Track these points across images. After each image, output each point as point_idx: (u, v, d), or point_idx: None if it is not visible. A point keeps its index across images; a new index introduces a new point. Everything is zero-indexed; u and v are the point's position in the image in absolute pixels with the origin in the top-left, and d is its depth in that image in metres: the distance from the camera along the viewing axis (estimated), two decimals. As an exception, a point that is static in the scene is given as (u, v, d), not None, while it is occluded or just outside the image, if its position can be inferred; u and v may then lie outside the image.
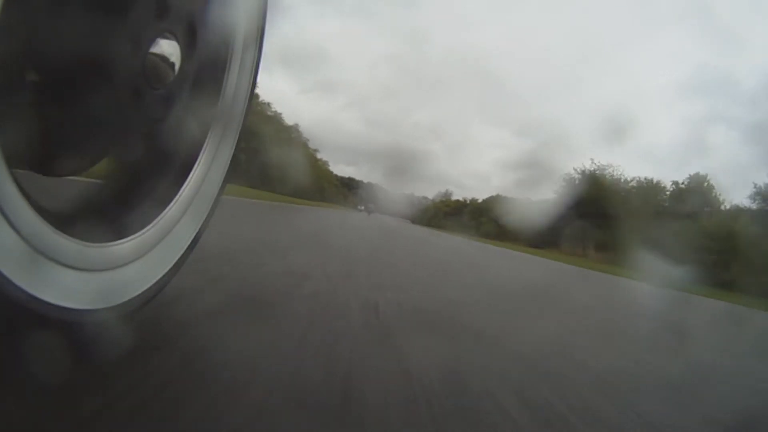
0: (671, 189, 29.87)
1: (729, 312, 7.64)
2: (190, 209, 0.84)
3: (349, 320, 1.20)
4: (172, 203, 0.78)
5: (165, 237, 0.75)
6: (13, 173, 0.45)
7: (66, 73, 0.54)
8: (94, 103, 0.57)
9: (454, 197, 62.37)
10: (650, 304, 5.27)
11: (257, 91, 1.10)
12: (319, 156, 48.29)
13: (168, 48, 0.63)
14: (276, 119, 34.48)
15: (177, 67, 0.66)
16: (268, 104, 31.51)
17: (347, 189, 66.31)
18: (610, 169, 35.47)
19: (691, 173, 30.04)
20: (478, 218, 44.54)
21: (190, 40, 0.68)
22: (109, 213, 0.69)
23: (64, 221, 0.53)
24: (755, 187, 26.20)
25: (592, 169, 36.34)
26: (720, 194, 27.83)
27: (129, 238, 0.65)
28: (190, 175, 0.84)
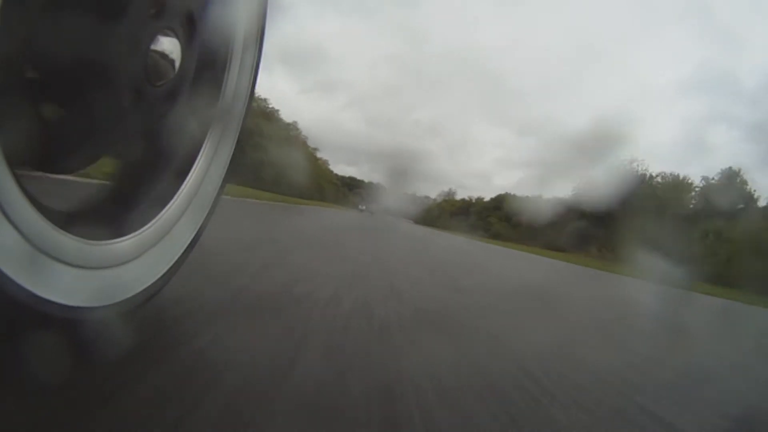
0: (701, 185, 27.53)
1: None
2: (189, 208, 0.85)
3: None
4: (172, 202, 0.79)
5: (165, 235, 0.76)
6: (13, 172, 0.46)
7: (65, 70, 0.55)
8: (93, 100, 0.58)
9: (458, 197, 60.16)
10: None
11: (256, 89, 1.08)
12: (318, 155, 46.44)
13: (168, 45, 0.64)
14: (273, 116, 32.62)
15: (177, 64, 0.68)
16: (265, 100, 29.56)
17: (348, 189, 64.62)
18: (635, 164, 32.60)
19: (723, 168, 27.73)
20: (486, 218, 42.69)
21: (190, 38, 0.70)
22: (110, 211, 0.70)
23: (64, 219, 0.54)
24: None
25: (617, 164, 33.66)
26: (755, 190, 25.58)
27: (130, 235, 0.67)
28: (190, 174, 0.86)
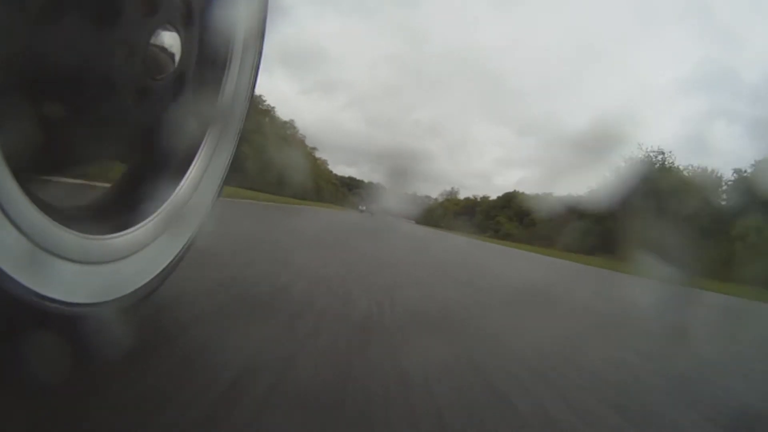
0: (732, 178, 25.01)
1: None
2: (186, 209, 0.85)
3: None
4: (169, 199, 0.79)
5: (161, 234, 0.76)
6: (11, 169, 0.47)
7: (62, 67, 0.55)
8: (91, 96, 0.58)
9: (460, 196, 58.03)
10: None
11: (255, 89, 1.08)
12: (317, 155, 44.75)
13: (168, 39, 0.64)
14: (269, 114, 30.81)
15: (177, 58, 0.68)
16: (260, 96, 27.65)
17: (347, 189, 62.86)
18: (662, 156, 30.13)
19: (757, 159, 25.21)
20: (494, 218, 40.65)
21: (190, 34, 0.70)
22: (109, 206, 0.72)
23: (63, 214, 0.55)
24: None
25: (641, 156, 31.02)
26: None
27: (129, 230, 0.68)
28: (189, 172, 0.86)
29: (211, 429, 0.56)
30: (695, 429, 1.00)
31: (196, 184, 0.86)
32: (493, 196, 49.39)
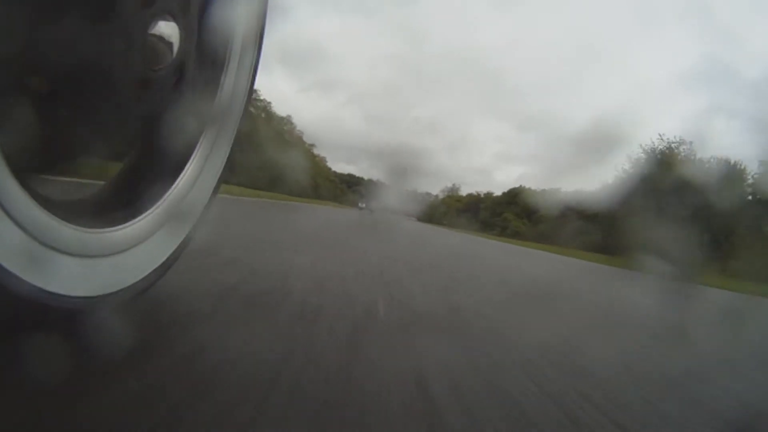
0: (760, 171, 22.98)
1: None
2: (183, 204, 0.85)
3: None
4: (166, 195, 0.80)
5: (158, 230, 0.77)
6: (10, 166, 0.47)
7: (60, 62, 0.55)
8: (89, 90, 0.58)
9: (462, 192, 56.58)
10: None
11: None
12: (315, 151, 43.45)
13: (166, 29, 0.65)
14: (265, 109, 29.43)
15: (175, 48, 0.68)
16: (256, 91, 26.04)
17: (346, 186, 61.48)
18: (684, 147, 27.57)
19: None
20: (501, 215, 39.15)
21: (189, 28, 0.70)
22: (107, 200, 0.73)
23: (64, 209, 0.56)
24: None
25: (661, 147, 28.14)
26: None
27: (128, 224, 0.69)
28: (186, 169, 0.86)
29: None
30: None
31: (194, 180, 0.87)
32: (497, 192, 48.05)
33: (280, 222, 5.02)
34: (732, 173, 23.85)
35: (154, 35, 0.60)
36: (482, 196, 50.55)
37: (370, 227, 8.05)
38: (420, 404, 0.73)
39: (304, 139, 42.08)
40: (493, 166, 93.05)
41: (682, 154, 26.15)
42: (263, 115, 29.61)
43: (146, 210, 0.73)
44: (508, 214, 37.71)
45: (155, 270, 0.76)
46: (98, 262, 0.61)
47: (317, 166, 45.35)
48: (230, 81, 0.91)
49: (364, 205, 44.61)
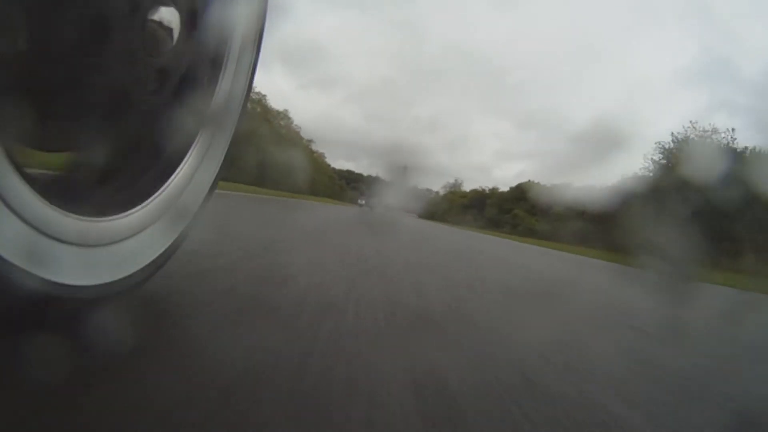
0: None
1: None
2: (180, 199, 0.85)
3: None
4: (162, 189, 0.80)
5: (154, 222, 0.77)
6: (11, 159, 0.47)
7: (60, 57, 0.55)
8: (89, 73, 0.58)
9: (464, 188, 54.78)
10: None
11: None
12: (314, 147, 41.89)
13: (167, 15, 0.64)
14: (261, 103, 27.88)
15: (176, 35, 0.67)
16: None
17: (345, 182, 59.80)
18: (719, 136, 24.84)
19: None
20: (509, 211, 37.33)
21: (189, 29, 0.71)
22: (104, 188, 0.73)
23: (63, 198, 0.57)
24: None
25: (694, 136, 25.55)
26: None
27: (127, 212, 0.70)
28: (185, 161, 0.86)
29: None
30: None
31: (191, 176, 0.87)
32: (502, 188, 46.11)
33: (270, 223, 4.30)
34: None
35: (154, 21, 0.61)
36: (487, 191, 48.62)
37: (370, 228, 6.95)
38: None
39: (302, 134, 40.50)
40: (492, 164, 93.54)
41: (717, 142, 23.54)
42: (258, 109, 28.18)
43: (142, 203, 0.74)
44: (518, 211, 35.83)
45: (152, 262, 0.77)
46: (96, 252, 0.62)
47: (316, 162, 43.84)
48: (229, 79, 0.92)
49: (363, 202, 43.91)
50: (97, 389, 0.54)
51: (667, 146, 25.84)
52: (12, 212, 0.46)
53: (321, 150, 54.15)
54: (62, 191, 0.59)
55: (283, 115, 36.62)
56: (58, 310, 0.55)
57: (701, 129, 24.70)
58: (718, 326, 2.96)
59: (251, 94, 1.05)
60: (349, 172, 69.99)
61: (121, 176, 0.74)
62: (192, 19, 0.69)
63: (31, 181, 0.50)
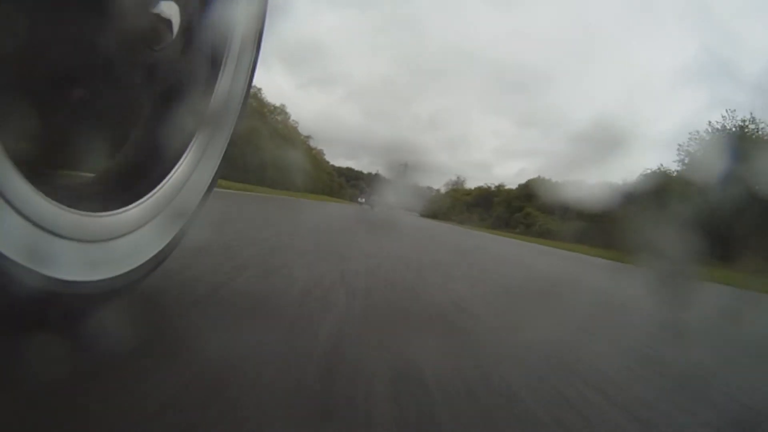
0: None
1: None
2: (178, 197, 0.85)
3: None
4: (160, 186, 0.80)
5: (152, 219, 0.77)
6: (12, 160, 0.48)
7: (60, 54, 0.54)
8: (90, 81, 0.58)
9: (467, 186, 53.16)
10: None
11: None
12: (312, 144, 40.78)
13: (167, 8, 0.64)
14: (256, 97, 26.60)
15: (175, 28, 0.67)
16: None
17: (345, 180, 58.35)
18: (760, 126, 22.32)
19: None
20: (521, 210, 35.57)
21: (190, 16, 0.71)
22: (102, 188, 0.75)
23: (65, 194, 0.57)
24: None
25: (731, 126, 22.93)
26: None
27: (127, 208, 0.70)
28: (182, 159, 0.85)
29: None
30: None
31: (189, 174, 0.87)
32: (508, 185, 44.28)
33: (260, 223, 3.55)
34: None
35: (155, 14, 0.62)
36: (493, 188, 46.61)
37: (372, 230, 6.06)
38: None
39: (300, 130, 39.04)
40: (492, 161, 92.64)
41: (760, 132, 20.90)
42: (254, 103, 26.81)
43: (139, 200, 0.74)
44: (531, 209, 33.93)
45: (148, 261, 0.77)
46: (95, 247, 0.62)
47: (314, 159, 42.51)
48: (228, 78, 0.93)
49: (363, 200, 43.16)
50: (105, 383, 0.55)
51: (702, 136, 23.65)
52: (11, 208, 0.47)
53: (320, 147, 52.86)
54: (62, 187, 0.60)
55: (280, 110, 35.30)
56: (57, 307, 0.56)
57: (740, 119, 22.57)
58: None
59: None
60: (349, 170, 68.96)
61: (121, 173, 0.75)
62: (192, 17, 0.71)
63: (30, 177, 0.51)
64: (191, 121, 0.84)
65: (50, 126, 0.56)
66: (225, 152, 0.96)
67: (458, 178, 60.26)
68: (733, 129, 21.90)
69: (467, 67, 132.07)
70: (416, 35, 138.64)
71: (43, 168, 0.57)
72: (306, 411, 0.62)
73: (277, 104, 35.25)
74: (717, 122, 23.51)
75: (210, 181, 0.92)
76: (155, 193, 0.75)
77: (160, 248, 0.77)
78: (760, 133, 21.31)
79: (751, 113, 22.18)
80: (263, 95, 30.79)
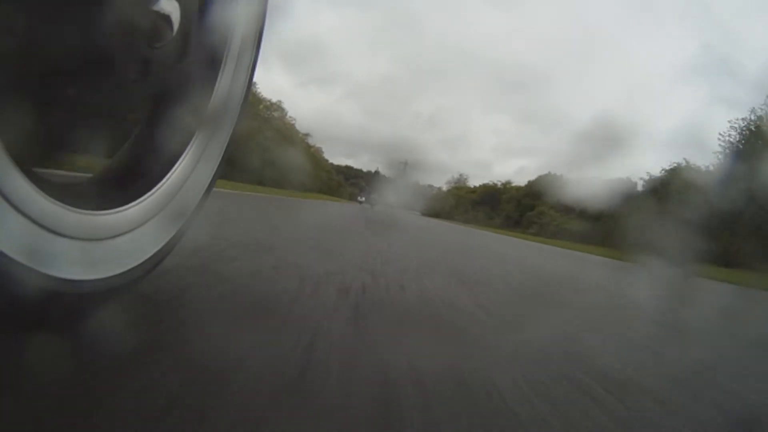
0: None
1: None
2: (177, 196, 0.85)
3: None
4: (159, 185, 0.80)
5: (151, 219, 0.78)
6: (11, 156, 0.48)
7: (60, 52, 0.55)
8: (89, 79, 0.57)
9: (469, 183, 51.62)
10: None
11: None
12: (311, 142, 39.57)
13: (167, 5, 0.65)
14: (251, 92, 24.54)
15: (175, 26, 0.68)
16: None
17: (344, 178, 57.02)
18: None
19: None
20: (532, 208, 33.86)
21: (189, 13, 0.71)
22: (109, 183, 0.75)
23: (65, 192, 0.58)
24: None
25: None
26: None
27: (127, 206, 0.71)
28: (182, 158, 0.85)
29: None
30: None
31: (188, 174, 0.87)
32: (517, 183, 42.46)
33: (266, 225, 3.33)
34: None
35: (155, 11, 0.62)
36: (500, 186, 44.70)
37: (373, 232, 5.26)
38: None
39: (297, 127, 37.65)
40: (492, 159, 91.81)
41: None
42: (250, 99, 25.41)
43: (139, 198, 0.75)
44: (543, 208, 32.06)
45: (150, 258, 0.78)
46: (96, 246, 0.63)
47: (312, 157, 41.13)
48: (228, 78, 0.93)
49: (363, 199, 43.03)
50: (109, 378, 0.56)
51: (744, 129, 21.66)
52: (12, 206, 0.48)
53: (318, 145, 51.49)
54: (62, 185, 0.61)
55: (277, 107, 33.92)
56: (58, 306, 0.56)
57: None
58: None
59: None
60: (348, 168, 67.86)
61: (121, 171, 0.76)
62: (192, 16, 0.71)
63: (31, 175, 0.52)
64: (191, 120, 0.85)
65: (50, 124, 0.57)
66: (225, 152, 0.98)
67: (460, 175, 58.76)
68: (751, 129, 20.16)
69: (467, 66, 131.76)
70: (416, 34, 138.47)
71: (43, 166, 0.58)
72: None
73: (274, 100, 33.85)
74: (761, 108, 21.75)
75: (210, 180, 0.95)
76: (155, 191, 0.77)
77: (159, 247, 0.79)
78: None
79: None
80: (259, 91, 29.44)
